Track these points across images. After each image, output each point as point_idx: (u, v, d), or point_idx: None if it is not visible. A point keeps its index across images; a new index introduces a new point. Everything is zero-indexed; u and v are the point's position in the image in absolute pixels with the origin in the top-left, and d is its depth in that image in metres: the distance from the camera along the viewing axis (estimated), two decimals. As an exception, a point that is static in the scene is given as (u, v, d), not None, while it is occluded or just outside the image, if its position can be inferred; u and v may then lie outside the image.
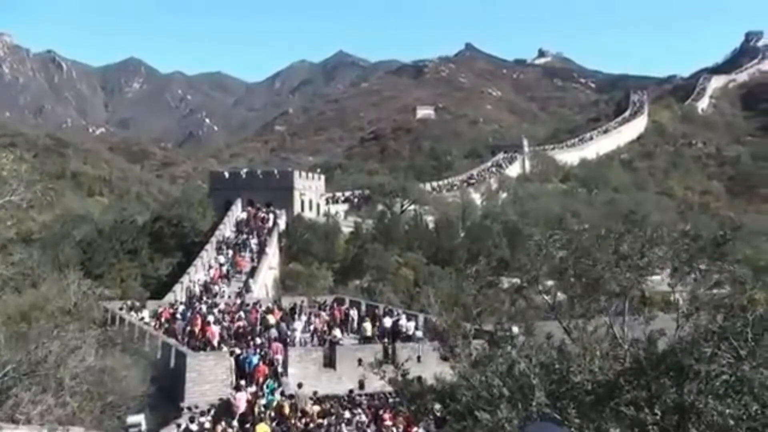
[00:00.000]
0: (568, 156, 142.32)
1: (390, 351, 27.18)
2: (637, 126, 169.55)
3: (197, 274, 48.61)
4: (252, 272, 50.90)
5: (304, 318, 34.90)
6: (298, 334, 32.30)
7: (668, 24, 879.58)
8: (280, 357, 28.00)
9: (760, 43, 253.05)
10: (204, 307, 36.96)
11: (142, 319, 36.33)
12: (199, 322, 32.52)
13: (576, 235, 21.40)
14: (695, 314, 18.96)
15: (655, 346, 17.23)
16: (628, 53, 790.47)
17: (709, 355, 15.67)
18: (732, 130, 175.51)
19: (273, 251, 57.30)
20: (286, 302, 39.67)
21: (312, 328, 33.90)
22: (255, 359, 26.65)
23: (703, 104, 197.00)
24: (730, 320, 15.31)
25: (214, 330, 30.96)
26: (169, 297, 43.02)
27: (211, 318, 33.55)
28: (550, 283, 23.76)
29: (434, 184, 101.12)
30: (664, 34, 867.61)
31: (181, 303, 39.66)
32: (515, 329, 20.33)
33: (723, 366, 15.30)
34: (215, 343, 29.69)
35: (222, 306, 37.90)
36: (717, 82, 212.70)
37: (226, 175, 74.22)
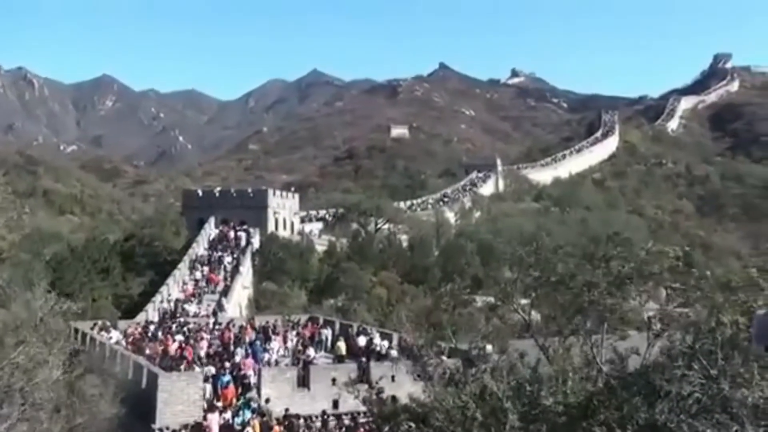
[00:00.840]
0: (541, 175, 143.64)
1: (364, 370, 27.12)
2: (609, 146, 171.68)
3: (170, 293, 48.15)
4: (225, 291, 50.45)
5: (279, 338, 34.70)
6: (274, 355, 32.08)
7: (638, 45, 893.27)
8: (251, 373, 27.85)
9: (728, 65, 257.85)
10: (176, 327, 36.64)
11: (113, 338, 35.88)
12: (171, 341, 32.23)
13: (551, 256, 21.60)
14: (666, 333, 19.18)
15: (626, 365, 17.39)
16: (599, 74, 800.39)
17: (680, 375, 15.80)
18: (701, 150, 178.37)
19: (246, 270, 56.86)
20: (260, 321, 39.43)
21: (286, 347, 33.75)
22: (225, 379, 26.44)
23: (673, 125, 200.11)
24: (699, 340, 15.52)
25: (189, 348, 30.75)
26: (141, 316, 42.56)
27: (180, 337, 33.31)
28: (524, 301, 23.87)
29: (408, 203, 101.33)
30: (635, 54, 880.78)
31: (152, 322, 39.23)
32: (489, 348, 20.39)
33: (694, 385, 15.43)
34: (192, 360, 29.49)
35: (194, 325, 37.56)
36: (686, 103, 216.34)
37: (200, 193, 73.82)
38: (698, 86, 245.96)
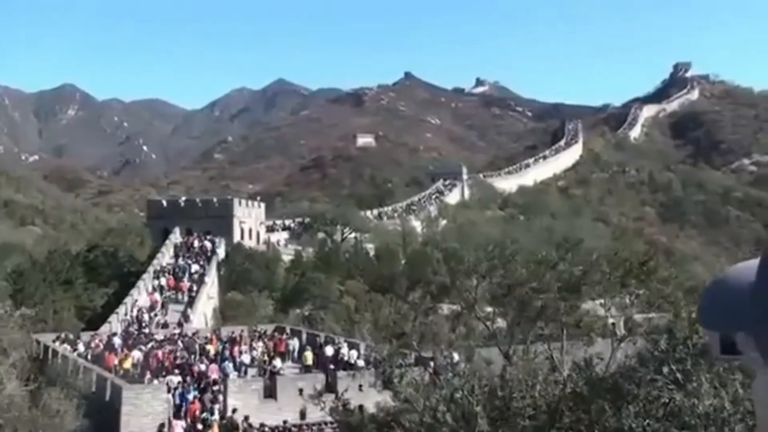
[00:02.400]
0: (507, 183, 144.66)
1: (331, 380, 27.04)
2: (573, 154, 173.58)
3: (134, 304, 47.62)
4: (191, 302, 50.06)
5: (245, 347, 34.50)
6: (250, 371, 32.02)
7: (601, 54, 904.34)
8: (215, 376, 27.82)
9: (688, 74, 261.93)
10: (140, 338, 36.27)
11: (77, 351, 35.40)
12: (134, 353, 31.93)
13: (511, 262, 21.75)
14: (630, 338, 19.43)
15: (593, 370, 17.54)
16: (562, 83, 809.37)
17: (648, 379, 15.99)
18: (663, 157, 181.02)
19: (212, 280, 56.51)
20: (226, 332, 39.17)
21: (252, 357, 33.57)
22: (191, 396, 26.25)
23: (635, 133, 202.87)
24: (672, 345, 15.68)
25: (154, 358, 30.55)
26: (105, 328, 42.04)
27: (144, 348, 32.95)
28: (489, 309, 24.00)
29: (375, 211, 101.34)
30: (598, 63, 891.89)
31: (116, 334, 38.75)
32: (456, 356, 20.47)
33: (662, 390, 15.63)
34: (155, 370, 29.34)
35: (159, 336, 37.21)
36: (648, 111, 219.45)
37: (164, 203, 73.15)
38: (659, 95, 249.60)
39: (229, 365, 31.59)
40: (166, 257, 58.97)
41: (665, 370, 15.45)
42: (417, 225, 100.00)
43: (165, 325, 44.37)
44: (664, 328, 16.91)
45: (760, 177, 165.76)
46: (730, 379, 13.46)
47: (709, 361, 13.98)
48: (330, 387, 25.42)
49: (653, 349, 16.44)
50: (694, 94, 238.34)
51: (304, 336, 37.81)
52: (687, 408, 13.33)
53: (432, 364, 19.96)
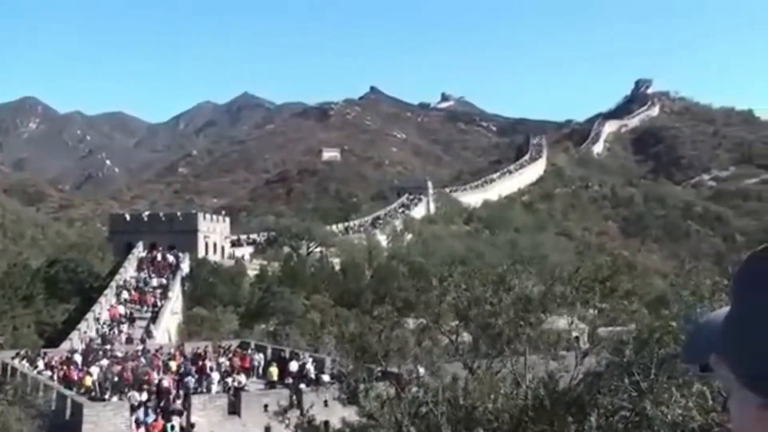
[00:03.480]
0: (472, 198, 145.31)
1: (296, 396, 26.87)
2: (537, 169, 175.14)
3: (95, 320, 46.97)
4: (154, 317, 49.57)
5: (212, 364, 34.21)
6: (214, 387, 31.61)
7: (564, 69, 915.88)
8: (167, 383, 27.48)
9: (649, 91, 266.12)
10: (100, 354, 35.81)
11: (37, 368, 34.82)
12: (95, 370, 31.51)
13: (472, 277, 21.87)
14: (594, 351, 19.65)
15: (556, 382, 17.69)
16: (527, 98, 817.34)
17: (612, 388, 16.17)
18: (625, 172, 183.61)
19: (176, 295, 56.09)
20: (190, 348, 38.79)
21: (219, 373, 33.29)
22: (150, 419, 25.95)
23: (598, 148, 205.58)
24: (637, 355, 15.87)
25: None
26: (65, 344, 41.41)
27: (104, 363, 32.84)
28: (454, 323, 24.06)
29: (340, 226, 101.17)
30: (561, 79, 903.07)
31: (77, 351, 38.18)
32: (421, 370, 20.50)
33: (624, 400, 15.81)
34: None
35: (121, 352, 36.75)
36: (610, 127, 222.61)
37: (127, 217, 72.56)
38: (622, 111, 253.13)
39: (190, 380, 31.23)
40: (129, 272, 58.34)
41: (627, 380, 15.63)
42: (382, 239, 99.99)
43: (129, 340, 43.89)
44: (629, 339, 17.13)
45: (719, 192, 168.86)
46: (696, 388, 13.66)
47: (672, 370, 14.19)
48: (295, 403, 25.27)
49: (618, 360, 16.63)
50: (655, 111, 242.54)
51: (269, 351, 37.60)
52: (656, 417, 13.50)
53: (397, 378, 19.92)
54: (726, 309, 1.07)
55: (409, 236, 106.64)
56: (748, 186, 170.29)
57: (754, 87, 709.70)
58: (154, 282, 56.21)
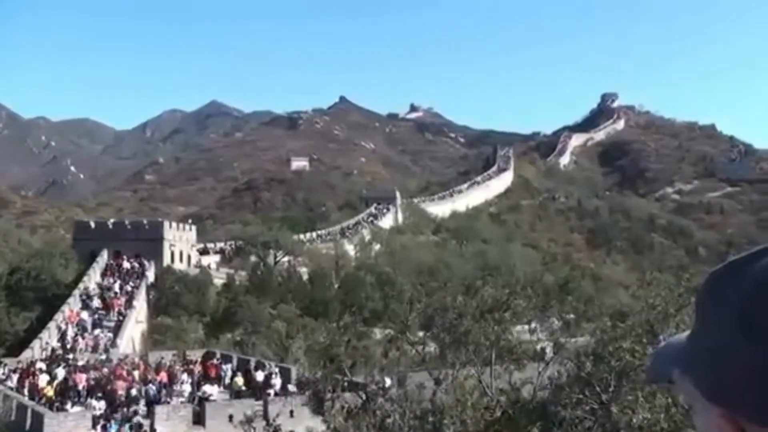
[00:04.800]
0: (440, 208, 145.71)
1: (262, 406, 26.72)
2: (505, 180, 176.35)
3: (58, 328, 46.30)
4: (118, 326, 49.00)
5: (182, 374, 33.90)
6: (180, 397, 31.34)
7: (531, 82, 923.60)
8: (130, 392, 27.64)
9: (614, 104, 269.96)
10: (65, 362, 35.32)
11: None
12: (57, 379, 31.38)
13: (441, 288, 21.97)
14: (558, 362, 19.82)
15: (519, 394, 17.81)
16: (494, 110, 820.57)
17: (574, 401, 16.33)
18: (591, 184, 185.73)
19: (141, 304, 55.61)
20: (155, 357, 38.42)
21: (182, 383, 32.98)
22: (113, 430, 25.67)
23: (564, 160, 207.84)
24: (596, 367, 16.06)
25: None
26: (27, 353, 40.74)
27: (62, 372, 32.45)
28: (421, 333, 24.14)
29: (308, 235, 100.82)
30: (528, 91, 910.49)
31: (38, 360, 37.59)
32: (388, 381, 20.51)
33: (587, 412, 15.97)
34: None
35: (82, 362, 36.24)
36: (577, 140, 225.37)
37: (92, 224, 71.38)
38: (588, 124, 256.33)
39: (152, 388, 31.00)
40: (93, 280, 57.64)
41: (588, 392, 15.77)
42: (350, 249, 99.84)
43: (93, 349, 43.49)
44: (588, 350, 17.30)
45: (682, 205, 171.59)
46: (659, 401, 13.85)
47: (635, 381, 14.43)
48: (261, 413, 25.13)
49: (578, 371, 16.78)
50: (620, 124, 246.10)
51: (234, 361, 37.37)
52: (621, 420, 13.67)
53: (364, 388, 19.92)
54: (687, 332, 1.11)
55: (377, 246, 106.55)
56: (711, 199, 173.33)
57: (716, 101, 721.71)
58: (118, 289, 55.52)
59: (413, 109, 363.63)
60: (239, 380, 32.76)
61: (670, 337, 1.07)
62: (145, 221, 72.47)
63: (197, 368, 36.05)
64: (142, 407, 28.10)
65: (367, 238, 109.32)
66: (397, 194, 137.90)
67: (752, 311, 0.94)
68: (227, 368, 35.94)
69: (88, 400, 29.38)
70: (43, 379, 32.08)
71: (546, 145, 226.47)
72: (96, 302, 53.11)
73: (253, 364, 35.47)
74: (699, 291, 1.07)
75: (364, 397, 19.20)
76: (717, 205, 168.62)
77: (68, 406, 28.43)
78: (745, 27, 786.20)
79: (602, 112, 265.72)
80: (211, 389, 31.38)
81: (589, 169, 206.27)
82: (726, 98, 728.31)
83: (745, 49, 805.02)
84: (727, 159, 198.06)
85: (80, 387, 31.17)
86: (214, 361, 37.48)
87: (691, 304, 14.19)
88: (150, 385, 31.40)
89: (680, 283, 18.94)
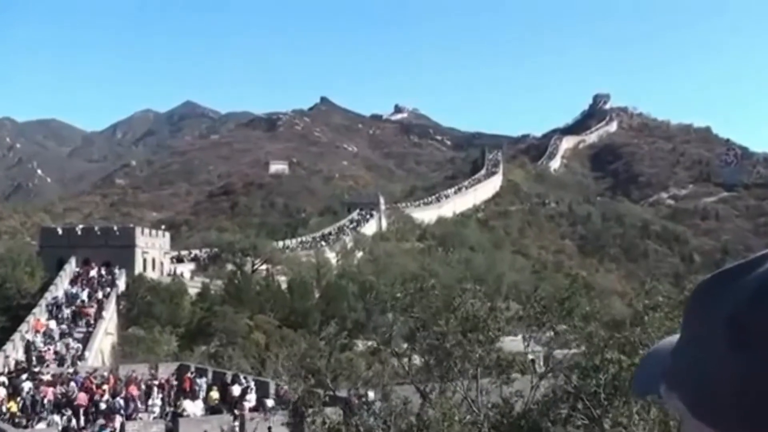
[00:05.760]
0: (425, 214, 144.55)
1: (239, 422, 26.83)
2: (493, 184, 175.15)
3: (22, 340, 45.16)
4: (86, 338, 48.11)
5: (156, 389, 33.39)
6: (157, 410, 31.08)
7: (520, 83, 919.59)
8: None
9: (607, 106, 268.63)
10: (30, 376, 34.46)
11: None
12: (22, 393, 30.88)
13: (425, 298, 20.48)
14: (550, 375, 18.74)
15: (511, 408, 16.70)
16: (482, 112, 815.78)
17: (564, 416, 15.54)
18: (583, 189, 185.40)
19: (110, 314, 54.91)
20: (125, 371, 37.57)
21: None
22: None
23: (555, 164, 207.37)
24: (584, 381, 15.19)
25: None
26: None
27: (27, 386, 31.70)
28: (405, 345, 22.41)
29: (287, 242, 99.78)
30: (517, 92, 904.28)
31: (2, 374, 36.30)
32: (371, 394, 19.08)
33: (578, 427, 15.16)
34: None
35: (49, 377, 34.82)
36: (568, 142, 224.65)
37: (60, 231, 71.34)
38: (579, 126, 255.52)
39: (120, 402, 30.17)
40: (60, 289, 56.76)
41: (580, 405, 15.55)
42: (332, 256, 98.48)
43: (61, 362, 42.52)
44: (577, 364, 16.99)
45: (677, 211, 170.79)
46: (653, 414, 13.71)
47: (623, 394, 14.29)
48: (237, 429, 24.34)
49: (567, 386, 16.49)
50: (613, 126, 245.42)
51: (209, 374, 36.71)
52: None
53: (347, 403, 18.94)
54: (674, 336, 1.10)
55: (359, 254, 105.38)
56: (707, 204, 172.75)
57: (712, 103, 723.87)
58: (86, 298, 54.75)
59: (398, 110, 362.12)
60: (215, 394, 32.16)
61: (656, 343, 1.21)
62: (115, 227, 72.69)
63: (171, 382, 35.34)
64: (112, 423, 27.29)
65: (350, 245, 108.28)
66: (381, 199, 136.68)
67: (740, 323, 0.93)
68: (202, 382, 35.07)
69: (52, 416, 28.82)
70: (3, 393, 31.13)
71: (536, 148, 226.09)
72: (64, 312, 52.20)
73: (229, 378, 34.81)
74: (686, 301, 1.07)
75: (346, 411, 18.30)
76: (713, 211, 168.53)
77: (34, 422, 28.06)
78: (743, 28, 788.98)
79: (594, 114, 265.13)
80: (192, 407, 30.36)
81: (581, 174, 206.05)
82: (722, 100, 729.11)
83: (742, 50, 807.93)
84: (723, 163, 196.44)
85: (46, 402, 30.53)
86: (189, 374, 35.97)
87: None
88: (119, 399, 30.69)
89: (682, 292, 18.80)
